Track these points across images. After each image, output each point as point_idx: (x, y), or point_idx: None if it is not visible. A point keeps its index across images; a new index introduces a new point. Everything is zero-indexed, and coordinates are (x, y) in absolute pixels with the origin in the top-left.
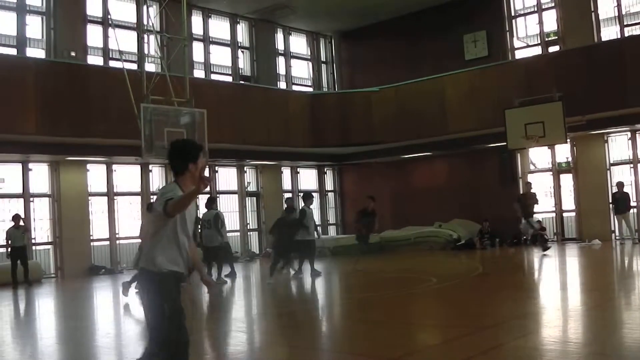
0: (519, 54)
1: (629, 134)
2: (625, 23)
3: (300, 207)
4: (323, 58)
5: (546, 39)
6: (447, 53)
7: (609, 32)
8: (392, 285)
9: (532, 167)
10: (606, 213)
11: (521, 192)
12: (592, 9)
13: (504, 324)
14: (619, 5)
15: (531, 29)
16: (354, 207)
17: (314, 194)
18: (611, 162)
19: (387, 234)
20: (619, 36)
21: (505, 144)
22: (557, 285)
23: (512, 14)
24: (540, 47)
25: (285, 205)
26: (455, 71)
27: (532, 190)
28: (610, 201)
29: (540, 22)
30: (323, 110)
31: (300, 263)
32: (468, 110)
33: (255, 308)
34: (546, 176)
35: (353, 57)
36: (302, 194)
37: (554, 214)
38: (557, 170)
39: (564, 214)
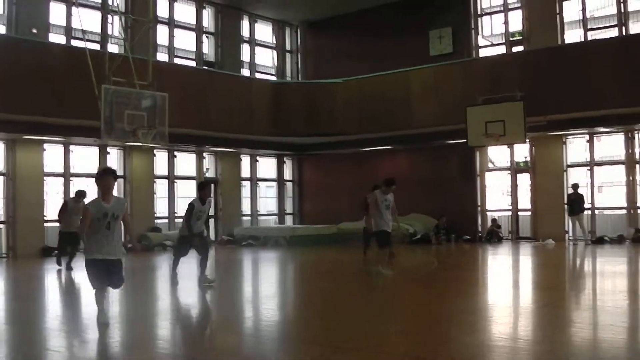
0: (484, 52)
1: (587, 136)
2: (589, 27)
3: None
4: (288, 47)
5: (511, 39)
6: (413, 48)
7: (573, 35)
8: (346, 276)
9: (490, 165)
10: (561, 214)
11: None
12: (558, 11)
13: (455, 319)
14: (583, 9)
15: (497, 28)
16: (312, 198)
17: (212, 183)
18: (568, 163)
19: (344, 225)
20: (583, 39)
21: (465, 140)
22: (509, 282)
23: (479, 12)
24: (504, 46)
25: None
26: (419, 66)
27: None
28: (566, 202)
29: (506, 22)
30: (286, 100)
31: (200, 264)
32: (431, 106)
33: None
34: (504, 175)
35: (318, 48)
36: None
37: (509, 213)
38: (515, 169)
39: (520, 213)
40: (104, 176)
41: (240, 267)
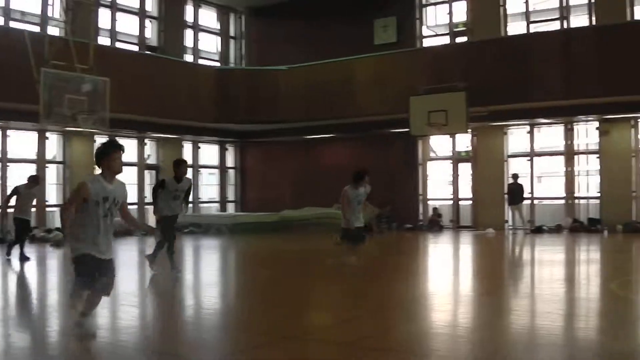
0: (427, 43)
1: (528, 127)
2: (531, 19)
3: None
4: (232, 33)
5: (455, 30)
6: (358, 36)
7: (516, 27)
8: (288, 265)
9: (432, 155)
10: (501, 203)
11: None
12: (502, 3)
13: (396, 307)
14: (526, 2)
15: (441, 19)
16: (255, 185)
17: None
18: (509, 154)
19: (286, 213)
20: (526, 32)
21: (408, 130)
22: (449, 271)
23: (423, 2)
24: (448, 37)
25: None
26: (364, 55)
27: None
28: (506, 192)
29: (450, 13)
30: (229, 86)
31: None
32: (375, 95)
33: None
34: (446, 164)
35: (263, 35)
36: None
37: (451, 202)
38: (457, 159)
39: (461, 202)
40: (115, 151)
41: (181, 254)
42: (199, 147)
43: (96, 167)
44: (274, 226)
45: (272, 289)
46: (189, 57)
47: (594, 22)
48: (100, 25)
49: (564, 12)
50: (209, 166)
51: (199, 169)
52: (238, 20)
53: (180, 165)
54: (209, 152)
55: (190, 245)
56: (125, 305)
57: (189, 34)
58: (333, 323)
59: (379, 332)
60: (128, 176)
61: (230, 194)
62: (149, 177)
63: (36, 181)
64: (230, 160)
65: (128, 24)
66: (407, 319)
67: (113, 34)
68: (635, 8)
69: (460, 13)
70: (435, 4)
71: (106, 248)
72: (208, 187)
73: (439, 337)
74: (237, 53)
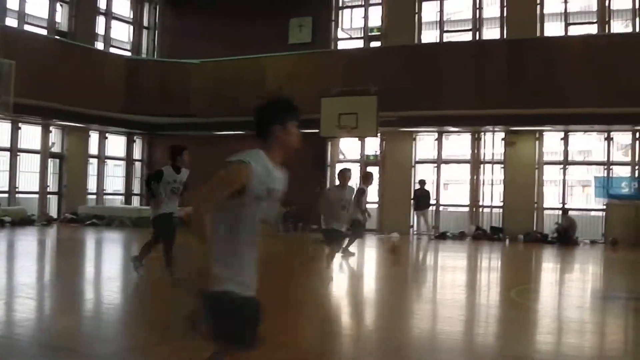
0: (342, 45)
1: (436, 135)
2: (445, 29)
3: None
4: (146, 23)
5: (369, 34)
6: (273, 34)
7: (430, 36)
8: (190, 261)
9: (341, 157)
10: (407, 208)
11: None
12: (416, 11)
13: (299, 309)
14: (441, 11)
15: (356, 22)
16: None
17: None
18: (417, 160)
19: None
20: (439, 41)
21: (318, 131)
22: (353, 274)
23: (340, 4)
24: (363, 40)
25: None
26: (277, 53)
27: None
28: (412, 197)
29: (366, 17)
30: (140, 77)
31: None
32: (286, 94)
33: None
34: (354, 167)
35: (177, 26)
36: None
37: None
38: (365, 162)
39: (367, 206)
40: (293, 117)
41: (82, 247)
42: (106, 138)
43: None
44: (180, 222)
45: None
46: (100, 45)
47: (505, 36)
48: (8, 6)
49: (477, 24)
50: (116, 157)
51: (105, 160)
52: (152, 10)
53: (181, 151)
54: (116, 143)
55: (91, 238)
56: (21, 297)
57: (101, 21)
58: None
59: (281, 333)
60: (30, 164)
61: (136, 187)
62: (51, 166)
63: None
64: (137, 153)
65: (38, 7)
66: (307, 319)
67: (22, 16)
68: (545, 24)
69: (376, 18)
70: (351, 7)
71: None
72: (113, 178)
73: (341, 340)
74: (149, 44)
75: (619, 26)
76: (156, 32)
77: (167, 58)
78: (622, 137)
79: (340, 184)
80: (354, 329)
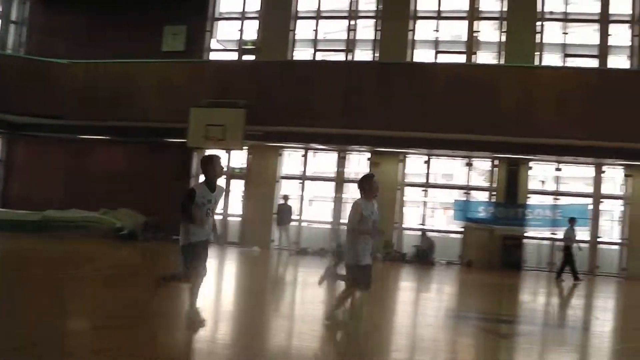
0: (215, 56)
1: (302, 151)
2: (319, 48)
3: None
4: (14, 18)
5: (243, 47)
6: (146, 40)
7: (303, 53)
8: (36, 267)
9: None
10: (269, 222)
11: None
12: (291, 28)
13: (155, 321)
14: (316, 30)
15: (231, 34)
16: (21, 181)
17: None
18: (282, 175)
19: (49, 213)
20: (312, 59)
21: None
22: (212, 287)
23: (216, 15)
24: (237, 53)
25: None
26: (149, 60)
27: None
28: (275, 212)
29: (241, 30)
30: (2, 73)
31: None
32: (156, 101)
33: None
34: (219, 179)
35: (48, 24)
36: None
37: (220, 217)
38: (230, 174)
39: (229, 218)
40: None
41: None
42: None
43: None
44: (36, 226)
45: (28, 291)
46: None
47: (376, 58)
48: None
49: (350, 45)
50: None
51: None
52: (22, 5)
53: (215, 162)
54: None
55: None
56: None
57: None
58: (91, 330)
59: (139, 344)
60: None
61: None
62: None
63: None
64: None
65: None
66: (167, 332)
67: None
68: (415, 51)
69: (252, 32)
70: (227, 19)
71: None
72: None
73: (198, 351)
74: (16, 39)
75: (486, 56)
76: (24, 28)
77: (34, 56)
78: (483, 164)
79: (365, 196)
80: (210, 343)
